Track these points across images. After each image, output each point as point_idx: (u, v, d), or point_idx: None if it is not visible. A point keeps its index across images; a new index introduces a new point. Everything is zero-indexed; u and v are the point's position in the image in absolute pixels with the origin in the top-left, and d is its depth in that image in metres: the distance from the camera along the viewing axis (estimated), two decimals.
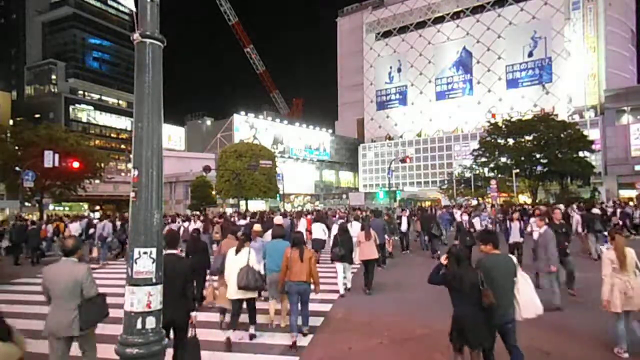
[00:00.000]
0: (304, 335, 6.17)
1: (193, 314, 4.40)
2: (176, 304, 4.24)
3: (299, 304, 6.03)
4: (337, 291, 8.84)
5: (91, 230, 16.71)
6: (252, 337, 6.14)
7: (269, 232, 7.77)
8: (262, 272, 6.23)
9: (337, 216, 22.03)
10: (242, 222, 13.96)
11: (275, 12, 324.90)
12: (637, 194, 35.24)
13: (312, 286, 6.09)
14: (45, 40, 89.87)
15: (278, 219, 11.08)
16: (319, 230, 12.64)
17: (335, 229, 9.68)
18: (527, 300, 4.29)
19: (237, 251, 6.01)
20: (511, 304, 4.27)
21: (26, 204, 33.46)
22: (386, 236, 12.46)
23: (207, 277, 7.71)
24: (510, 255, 4.69)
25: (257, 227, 7.73)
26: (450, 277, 4.21)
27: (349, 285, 9.28)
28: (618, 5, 60.01)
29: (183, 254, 6.60)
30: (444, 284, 4.31)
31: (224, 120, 70.16)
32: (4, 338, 2.88)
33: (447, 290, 4.28)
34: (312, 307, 6.66)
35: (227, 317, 6.42)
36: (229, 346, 5.76)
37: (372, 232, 9.12)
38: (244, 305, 6.15)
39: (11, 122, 59.69)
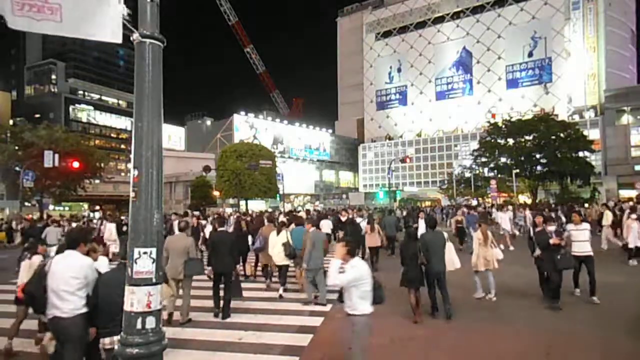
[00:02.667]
0: (316, 297, 8.28)
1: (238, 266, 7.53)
2: (225, 261, 7.21)
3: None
4: (337, 291, 9.00)
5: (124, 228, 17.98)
6: (281, 296, 8.59)
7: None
8: None
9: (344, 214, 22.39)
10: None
11: (275, 12, 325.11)
12: (637, 194, 35.21)
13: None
14: (45, 40, 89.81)
15: (301, 214, 16.47)
16: (326, 226, 14.35)
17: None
18: (449, 259, 7.21)
19: (278, 232, 9.00)
20: (442, 262, 7.03)
21: (26, 204, 33.48)
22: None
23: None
24: (443, 232, 7.55)
25: (282, 219, 10.40)
26: (403, 247, 7.17)
27: None
28: (618, 5, 60.00)
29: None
30: (401, 254, 7.11)
31: (224, 120, 70.17)
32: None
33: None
34: (312, 307, 7.79)
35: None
36: (280, 297, 8.54)
37: (376, 226, 11.83)
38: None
39: (11, 122, 59.72)
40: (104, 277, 4.03)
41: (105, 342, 3.82)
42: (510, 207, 21.86)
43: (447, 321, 6.73)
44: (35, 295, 3.94)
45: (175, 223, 12.63)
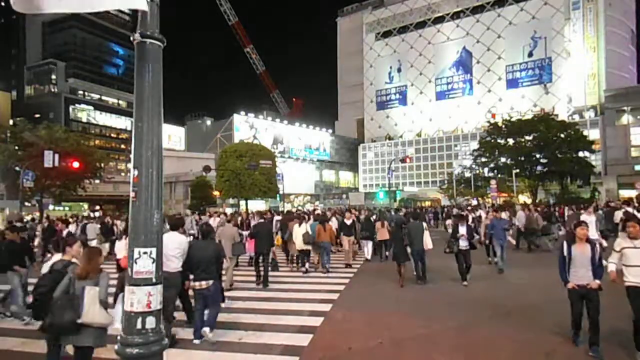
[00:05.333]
0: (327, 272, 11.38)
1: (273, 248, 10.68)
2: (265, 243, 10.01)
3: (325, 253, 11.64)
4: (337, 291, 9.32)
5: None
6: (306, 271, 11.51)
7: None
8: None
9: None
10: (277, 217, 18.13)
11: (275, 12, 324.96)
12: (637, 194, 35.21)
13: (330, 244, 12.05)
14: (45, 40, 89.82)
15: (318, 212, 19.64)
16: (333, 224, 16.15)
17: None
18: (425, 242, 9.68)
19: (299, 224, 11.59)
20: (421, 243, 9.58)
21: (26, 203, 33.45)
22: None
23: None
24: (422, 223, 10.31)
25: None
26: (393, 233, 10.89)
27: (369, 256, 14.09)
28: (618, 5, 60.04)
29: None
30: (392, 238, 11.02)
31: (224, 120, 70.20)
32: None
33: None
34: (312, 307, 7.89)
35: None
36: (305, 272, 11.41)
37: (385, 222, 13.83)
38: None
39: (11, 122, 59.71)
40: (196, 245, 6.32)
41: (195, 285, 5.96)
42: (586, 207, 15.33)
43: (445, 320, 6.81)
44: None
45: (210, 220, 15.51)
